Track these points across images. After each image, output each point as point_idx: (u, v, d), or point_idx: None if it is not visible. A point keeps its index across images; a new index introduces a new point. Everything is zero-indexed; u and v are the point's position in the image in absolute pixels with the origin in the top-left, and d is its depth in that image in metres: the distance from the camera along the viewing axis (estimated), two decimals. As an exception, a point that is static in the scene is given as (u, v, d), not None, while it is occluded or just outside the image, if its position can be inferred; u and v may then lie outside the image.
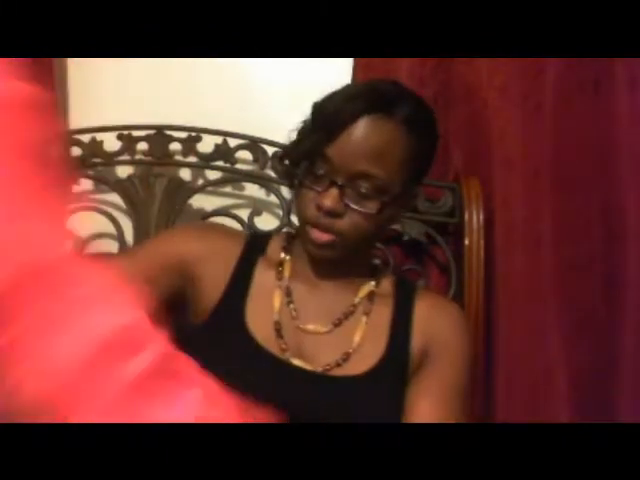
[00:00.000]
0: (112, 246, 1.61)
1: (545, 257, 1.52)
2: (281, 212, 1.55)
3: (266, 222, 1.56)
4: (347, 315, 1.13)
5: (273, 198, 1.58)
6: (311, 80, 1.58)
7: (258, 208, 1.56)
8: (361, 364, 1.09)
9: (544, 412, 1.52)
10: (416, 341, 1.12)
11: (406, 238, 1.55)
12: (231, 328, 1.10)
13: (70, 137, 1.60)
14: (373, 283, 1.16)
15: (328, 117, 1.03)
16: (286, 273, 1.14)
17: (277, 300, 1.12)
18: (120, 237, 1.59)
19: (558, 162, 1.52)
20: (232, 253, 1.14)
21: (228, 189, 1.63)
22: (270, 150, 1.54)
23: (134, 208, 1.57)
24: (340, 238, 1.04)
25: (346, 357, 1.09)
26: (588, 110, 1.51)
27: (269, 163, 1.55)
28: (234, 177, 1.58)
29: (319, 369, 1.09)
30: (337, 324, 1.12)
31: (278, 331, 1.10)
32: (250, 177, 1.57)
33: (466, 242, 1.49)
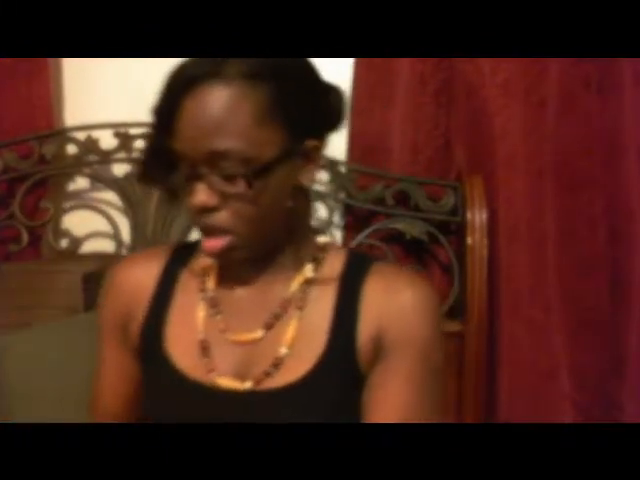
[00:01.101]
0: (108, 245, 1.60)
1: (549, 257, 1.51)
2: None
3: None
4: (279, 314, 0.96)
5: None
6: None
7: None
8: (295, 370, 0.93)
9: (547, 414, 1.51)
10: (364, 332, 0.94)
11: (407, 237, 1.53)
12: (152, 360, 0.99)
13: (66, 135, 1.60)
14: (310, 268, 0.97)
15: (157, 111, 0.90)
16: (211, 281, 1.00)
17: (201, 314, 0.98)
18: (117, 236, 1.57)
19: (562, 160, 1.51)
20: (151, 279, 1.01)
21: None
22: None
23: (131, 207, 1.56)
24: (233, 236, 0.90)
25: (276, 364, 0.94)
26: (592, 107, 1.49)
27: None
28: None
29: (247, 385, 0.94)
30: (268, 327, 0.96)
31: (205, 350, 0.96)
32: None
33: (469, 241, 1.48)
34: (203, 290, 0.99)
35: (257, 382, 0.94)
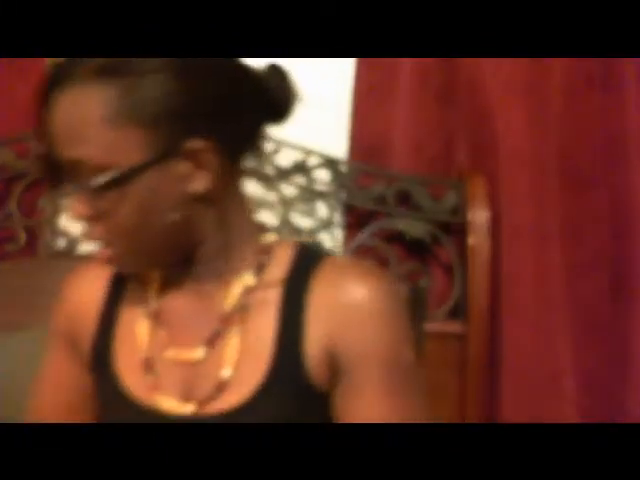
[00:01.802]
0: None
1: (552, 257, 1.50)
2: (281, 209, 1.54)
3: (266, 220, 1.54)
4: (220, 330, 0.87)
5: (272, 195, 1.56)
6: (312, 79, 1.56)
7: (257, 205, 1.54)
8: (239, 392, 0.85)
9: (550, 416, 1.50)
10: (313, 341, 0.84)
11: (408, 237, 1.52)
12: (102, 377, 0.93)
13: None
14: (250, 275, 0.87)
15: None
16: (152, 292, 0.91)
17: (142, 330, 0.91)
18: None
19: (565, 159, 1.50)
20: (98, 293, 0.95)
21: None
22: (269, 146, 1.52)
23: None
24: (113, 250, 0.84)
25: (220, 388, 0.86)
26: (596, 105, 1.49)
27: (268, 159, 1.53)
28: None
29: (190, 408, 0.86)
30: (210, 345, 0.87)
31: (148, 368, 0.89)
32: (248, 173, 1.54)
33: (471, 241, 1.47)
34: (146, 302, 0.91)
35: (200, 405, 0.86)
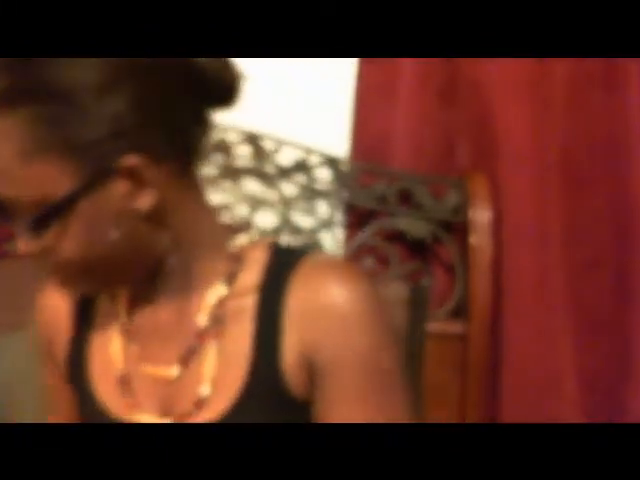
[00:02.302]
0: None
1: (554, 256, 1.49)
2: (281, 208, 1.53)
3: (266, 219, 1.54)
4: (194, 347, 0.83)
5: (273, 194, 1.55)
6: (313, 78, 1.56)
7: (257, 204, 1.54)
8: (216, 407, 0.82)
9: (552, 417, 1.49)
10: (290, 348, 0.80)
11: (410, 237, 1.52)
12: (79, 392, 0.89)
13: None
14: (221, 284, 0.83)
15: None
16: (122, 308, 0.87)
17: (115, 346, 0.87)
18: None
19: (568, 158, 1.49)
20: (69, 304, 0.91)
21: (225, 185, 1.61)
22: (269, 145, 1.52)
23: None
24: (68, 278, 0.80)
25: (198, 404, 0.82)
26: (599, 105, 1.48)
27: (268, 157, 1.53)
28: (232, 172, 1.55)
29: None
30: (185, 362, 0.83)
31: (125, 385, 0.85)
32: (248, 172, 1.55)
33: (472, 241, 1.46)
34: (116, 317, 0.87)
35: (179, 421, 0.83)
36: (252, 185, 1.59)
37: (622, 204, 1.49)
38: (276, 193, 1.54)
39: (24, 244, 0.77)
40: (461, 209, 1.50)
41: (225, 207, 1.54)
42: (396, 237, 1.54)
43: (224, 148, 1.53)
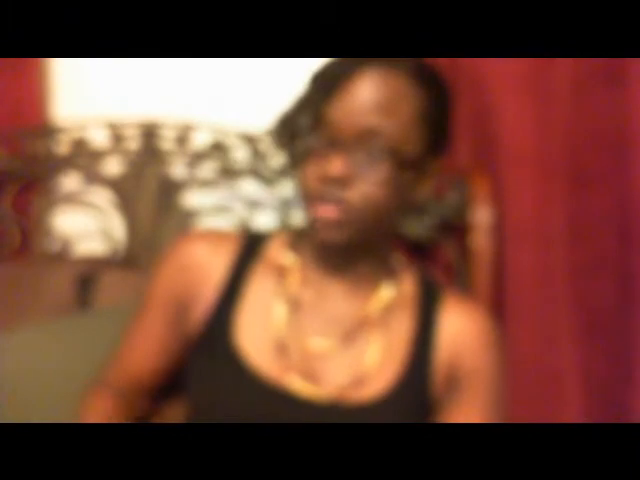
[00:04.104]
0: (101, 245, 1.57)
1: (557, 257, 1.48)
2: (279, 208, 1.53)
3: (263, 218, 1.54)
4: (360, 327, 0.99)
5: (270, 193, 1.55)
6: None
7: (254, 204, 1.54)
8: (373, 389, 0.96)
9: (553, 417, 1.48)
10: (441, 361, 0.99)
11: (410, 237, 1.50)
12: (214, 350, 0.97)
13: (58, 132, 1.57)
14: (391, 286, 1.02)
15: (325, 75, 0.95)
16: (291, 278, 1.00)
17: (278, 312, 0.98)
18: (110, 236, 1.56)
19: (570, 157, 1.48)
20: (221, 264, 1.01)
21: (223, 185, 1.60)
22: (266, 146, 1.51)
23: (125, 205, 1.54)
24: (349, 214, 0.92)
25: (358, 380, 0.96)
26: (602, 103, 1.47)
27: (266, 157, 1.52)
28: (229, 172, 1.54)
29: (325, 394, 0.95)
30: (348, 338, 0.98)
31: (280, 348, 0.97)
32: (245, 172, 1.54)
33: (473, 241, 1.46)
34: (283, 288, 0.99)
35: (334, 394, 0.95)
36: (251, 186, 1.58)
37: (625, 204, 1.48)
38: (275, 194, 1.53)
39: (344, 164, 0.91)
40: (462, 209, 1.49)
41: (224, 208, 1.54)
42: (396, 237, 1.54)
43: (222, 149, 1.53)
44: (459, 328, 1.00)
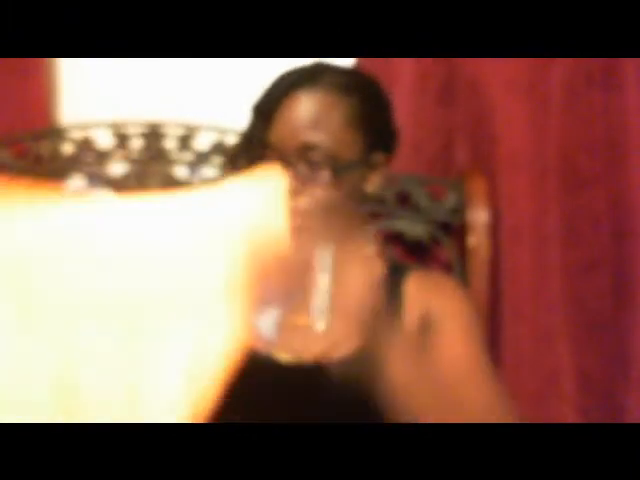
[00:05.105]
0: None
1: (553, 257, 1.49)
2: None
3: None
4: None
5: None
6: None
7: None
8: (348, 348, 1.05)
9: (550, 417, 1.49)
10: (410, 319, 1.09)
11: (408, 238, 1.51)
12: None
13: (63, 134, 1.57)
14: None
15: (261, 106, 1.07)
16: None
17: None
18: (113, 236, 1.55)
19: (566, 159, 1.49)
20: None
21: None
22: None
23: None
24: (304, 219, 1.00)
25: (333, 345, 1.06)
26: (597, 105, 1.48)
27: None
28: (232, 174, 1.55)
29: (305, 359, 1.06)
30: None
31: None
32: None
33: (470, 242, 1.46)
34: None
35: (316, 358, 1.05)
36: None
37: (620, 205, 1.49)
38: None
39: (323, 176, 1.03)
40: (459, 210, 1.50)
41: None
42: (394, 238, 1.54)
43: (223, 150, 1.53)
44: (423, 293, 1.09)
